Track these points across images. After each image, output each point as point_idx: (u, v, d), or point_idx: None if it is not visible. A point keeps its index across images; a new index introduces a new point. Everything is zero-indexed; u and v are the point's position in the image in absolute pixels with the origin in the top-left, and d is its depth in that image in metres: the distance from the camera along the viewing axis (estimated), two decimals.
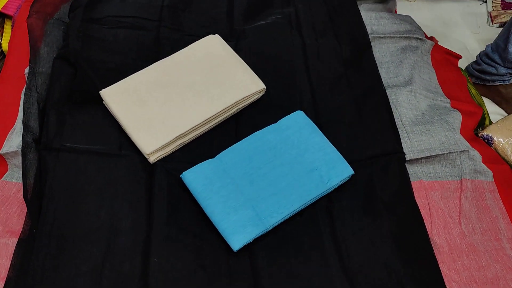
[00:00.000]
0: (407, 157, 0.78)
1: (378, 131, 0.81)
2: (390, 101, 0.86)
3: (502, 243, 0.70)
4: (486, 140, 0.89)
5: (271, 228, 0.68)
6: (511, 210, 0.75)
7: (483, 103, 1.03)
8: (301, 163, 0.74)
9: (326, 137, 0.78)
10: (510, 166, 0.84)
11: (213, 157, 0.75)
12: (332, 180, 0.71)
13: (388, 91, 0.87)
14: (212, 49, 0.86)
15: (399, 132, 0.81)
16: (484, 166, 0.78)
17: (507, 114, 1.03)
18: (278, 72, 0.89)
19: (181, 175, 0.72)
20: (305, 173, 0.73)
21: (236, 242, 0.65)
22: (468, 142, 0.82)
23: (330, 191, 0.72)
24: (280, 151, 0.75)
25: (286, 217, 0.69)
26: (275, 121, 0.80)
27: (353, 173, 0.73)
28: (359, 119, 0.83)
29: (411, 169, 0.78)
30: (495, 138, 0.88)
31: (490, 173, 0.78)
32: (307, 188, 0.71)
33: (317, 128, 0.78)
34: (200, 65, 0.84)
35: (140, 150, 0.74)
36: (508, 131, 0.89)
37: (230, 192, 0.70)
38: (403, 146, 0.79)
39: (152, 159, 0.74)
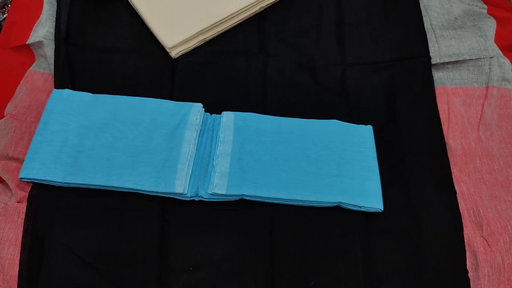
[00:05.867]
0: (433, 61, 0.76)
1: (405, 34, 0.79)
2: (421, 5, 0.81)
3: None
4: None
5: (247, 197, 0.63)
6: None
7: None
8: (329, 164, 0.65)
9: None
10: None
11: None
12: (352, 199, 0.62)
13: None
14: None
15: (427, 36, 0.78)
16: None
17: None
18: None
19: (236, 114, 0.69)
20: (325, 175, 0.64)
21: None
22: (501, 51, 0.79)
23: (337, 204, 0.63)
24: (319, 145, 0.66)
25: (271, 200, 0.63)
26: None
27: (382, 209, 0.62)
28: (386, 20, 0.81)
29: (436, 74, 0.76)
30: None
31: None
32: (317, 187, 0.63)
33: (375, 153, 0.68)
34: None
35: (162, 44, 0.74)
36: None
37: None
38: (430, 50, 0.76)
39: (173, 53, 0.74)
